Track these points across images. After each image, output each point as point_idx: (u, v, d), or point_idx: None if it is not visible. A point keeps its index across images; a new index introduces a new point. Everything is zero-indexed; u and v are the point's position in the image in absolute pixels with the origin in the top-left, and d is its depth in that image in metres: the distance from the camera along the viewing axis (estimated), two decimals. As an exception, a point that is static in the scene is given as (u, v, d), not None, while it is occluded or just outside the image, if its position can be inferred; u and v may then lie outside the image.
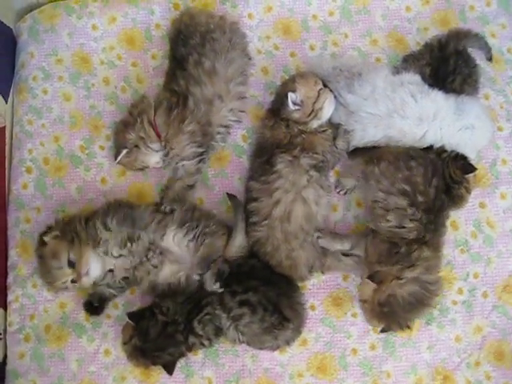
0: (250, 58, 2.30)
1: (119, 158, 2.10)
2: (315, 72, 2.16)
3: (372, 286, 1.94)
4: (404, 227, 1.96)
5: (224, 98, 2.14)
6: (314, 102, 2.07)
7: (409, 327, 1.99)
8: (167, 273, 2.02)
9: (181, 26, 2.22)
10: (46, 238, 2.00)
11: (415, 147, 2.06)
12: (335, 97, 2.11)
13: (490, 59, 2.28)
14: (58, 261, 1.98)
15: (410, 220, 1.96)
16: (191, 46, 2.15)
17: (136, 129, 2.09)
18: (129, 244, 2.01)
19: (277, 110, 2.12)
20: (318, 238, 2.09)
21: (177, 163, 2.14)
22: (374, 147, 2.10)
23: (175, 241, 2.04)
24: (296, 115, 2.08)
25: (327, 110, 2.09)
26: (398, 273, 1.93)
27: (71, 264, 1.98)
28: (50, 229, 2.04)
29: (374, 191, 2.03)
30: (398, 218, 1.97)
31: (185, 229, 2.05)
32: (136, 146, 2.10)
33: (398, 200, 1.97)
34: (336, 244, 2.12)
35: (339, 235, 2.15)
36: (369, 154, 2.10)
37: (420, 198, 1.97)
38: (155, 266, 2.01)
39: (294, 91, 2.06)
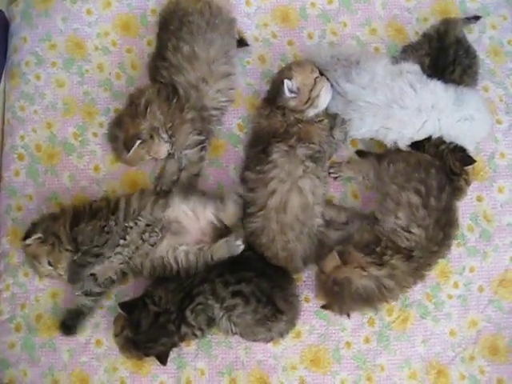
0: (242, 42, 2.26)
1: (133, 150, 2.04)
2: (313, 61, 2.13)
3: (336, 262, 1.93)
4: (410, 232, 1.94)
5: (208, 80, 2.10)
6: (311, 90, 2.04)
7: (348, 316, 2.01)
8: (164, 247, 2.00)
9: (165, 12, 2.20)
10: (28, 242, 2.01)
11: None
12: (332, 86, 2.08)
13: (476, 18, 2.27)
14: (38, 262, 2.01)
15: (418, 226, 1.94)
16: (170, 32, 2.12)
17: (148, 118, 2.06)
18: (121, 241, 1.99)
19: (273, 98, 2.09)
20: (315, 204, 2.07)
21: (180, 153, 2.13)
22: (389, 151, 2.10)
23: (181, 209, 2.02)
24: (292, 103, 2.05)
25: (324, 98, 2.06)
26: (366, 265, 1.93)
27: (51, 264, 2.01)
28: (34, 226, 2.03)
29: (386, 186, 2.02)
30: (407, 218, 1.95)
31: (191, 200, 2.04)
32: (151, 137, 2.07)
33: (411, 196, 1.96)
34: (333, 213, 2.10)
35: (337, 206, 2.14)
36: (384, 154, 2.10)
37: (433, 202, 1.95)
38: (153, 244, 1.99)
39: (290, 79, 2.03)
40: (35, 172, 2.24)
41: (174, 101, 2.09)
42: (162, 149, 2.11)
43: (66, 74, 2.30)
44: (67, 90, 2.29)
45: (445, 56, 2.11)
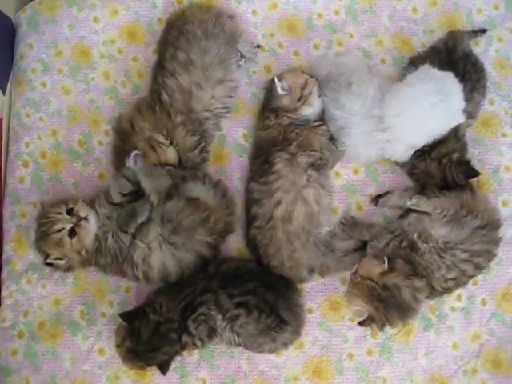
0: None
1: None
2: (316, 73, 2.15)
3: (382, 268, 1.86)
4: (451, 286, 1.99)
5: (203, 85, 2.09)
6: (303, 88, 2.07)
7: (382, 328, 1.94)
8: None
9: (167, 23, 2.22)
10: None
11: None
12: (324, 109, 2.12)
13: (483, 31, 2.27)
14: (57, 208, 1.96)
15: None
16: (168, 42, 2.14)
17: (138, 132, 2.07)
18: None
19: (266, 103, 2.13)
20: (342, 223, 2.11)
21: (182, 157, 2.12)
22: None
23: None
24: (285, 101, 2.07)
25: (317, 97, 2.09)
26: (409, 274, 1.90)
27: (70, 212, 1.95)
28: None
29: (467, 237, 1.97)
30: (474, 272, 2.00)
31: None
32: (151, 147, 2.06)
33: (483, 262, 2.02)
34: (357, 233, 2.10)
35: (361, 223, 2.11)
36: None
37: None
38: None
39: (280, 80, 2.07)
40: (40, 179, 2.23)
41: (157, 107, 2.09)
42: (170, 154, 2.10)
43: (71, 82, 2.30)
44: (73, 98, 2.29)
45: (454, 71, 2.04)
